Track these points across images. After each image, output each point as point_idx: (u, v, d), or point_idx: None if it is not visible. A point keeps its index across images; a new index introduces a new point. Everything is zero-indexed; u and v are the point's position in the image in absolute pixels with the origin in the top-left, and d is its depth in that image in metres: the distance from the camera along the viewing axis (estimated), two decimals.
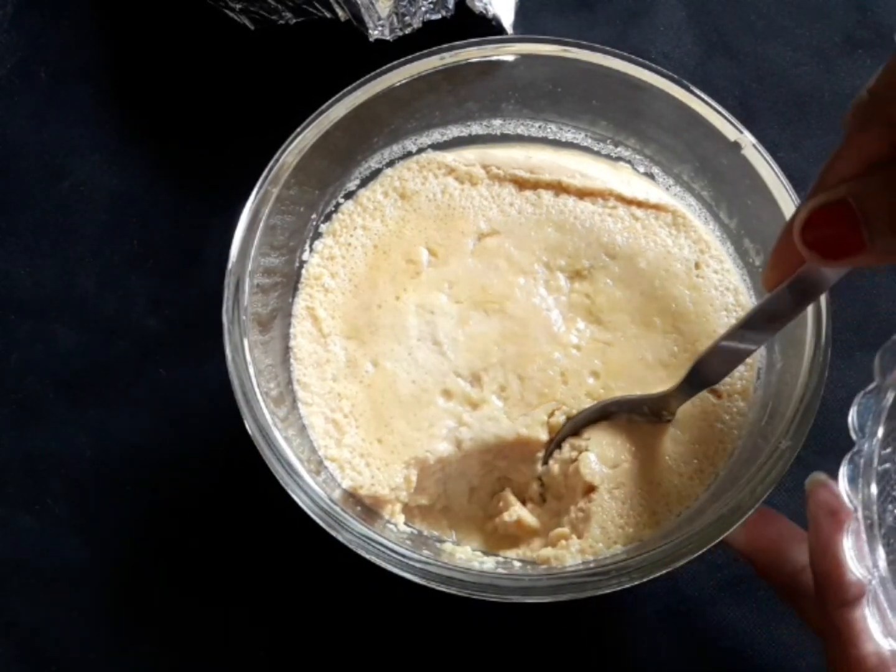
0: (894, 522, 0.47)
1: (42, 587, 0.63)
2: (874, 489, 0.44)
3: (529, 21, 0.71)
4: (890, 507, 0.47)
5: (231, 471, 0.63)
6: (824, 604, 0.46)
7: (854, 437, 0.45)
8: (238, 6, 0.68)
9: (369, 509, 0.57)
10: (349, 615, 0.61)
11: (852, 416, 0.46)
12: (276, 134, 0.58)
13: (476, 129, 0.64)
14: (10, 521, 0.64)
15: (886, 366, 0.45)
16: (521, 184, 0.63)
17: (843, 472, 0.45)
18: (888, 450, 0.46)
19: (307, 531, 0.52)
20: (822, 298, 0.54)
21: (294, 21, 0.68)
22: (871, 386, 0.46)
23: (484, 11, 0.66)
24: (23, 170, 0.71)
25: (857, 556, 0.45)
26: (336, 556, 0.53)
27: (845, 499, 0.45)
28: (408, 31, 0.66)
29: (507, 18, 0.68)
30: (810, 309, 0.54)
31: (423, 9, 0.66)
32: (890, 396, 0.45)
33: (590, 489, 0.56)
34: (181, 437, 0.65)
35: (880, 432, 0.45)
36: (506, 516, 0.58)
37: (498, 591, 0.50)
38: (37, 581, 0.63)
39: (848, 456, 0.45)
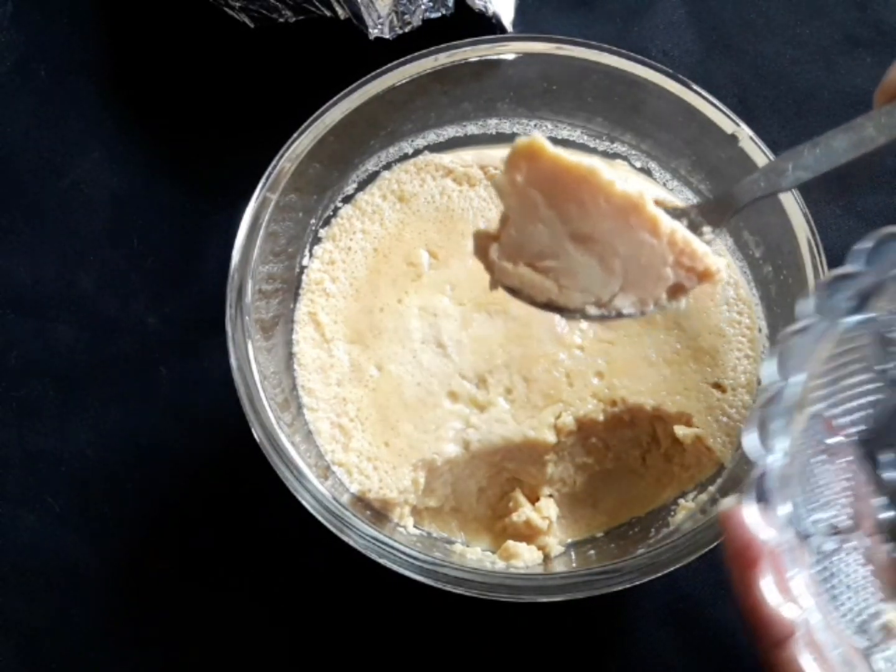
0: (821, 548, 0.44)
1: (42, 585, 0.63)
2: (787, 508, 0.42)
3: (529, 19, 0.70)
4: (813, 523, 0.45)
5: (233, 469, 0.63)
6: (756, 646, 0.42)
7: (755, 459, 0.41)
8: (238, 4, 0.67)
9: (378, 513, 0.57)
10: (359, 620, 0.61)
11: (750, 436, 0.42)
12: (276, 132, 0.58)
13: (472, 129, 0.65)
14: (10, 519, 0.64)
15: (788, 372, 0.42)
16: None
17: (750, 498, 0.41)
18: (794, 464, 0.43)
19: (315, 535, 0.53)
20: None
21: (294, 19, 0.68)
22: (770, 399, 0.42)
23: (483, 9, 0.66)
24: (23, 168, 0.71)
25: (780, 590, 0.41)
26: (344, 562, 0.53)
27: (756, 528, 0.41)
28: (407, 29, 0.66)
29: (507, 16, 0.67)
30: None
31: (423, 7, 0.66)
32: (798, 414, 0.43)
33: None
34: (182, 435, 0.65)
35: (784, 446, 0.41)
36: (514, 517, 0.58)
37: (510, 591, 0.51)
38: (37, 578, 0.63)
39: (752, 480, 0.41)
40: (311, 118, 0.58)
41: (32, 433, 0.66)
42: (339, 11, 0.66)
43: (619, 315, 0.48)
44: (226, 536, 0.63)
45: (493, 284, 0.49)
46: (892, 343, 0.46)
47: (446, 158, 0.64)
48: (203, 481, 0.64)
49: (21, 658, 0.62)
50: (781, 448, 0.41)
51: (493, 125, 0.64)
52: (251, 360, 0.55)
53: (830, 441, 0.46)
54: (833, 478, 0.46)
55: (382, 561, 0.51)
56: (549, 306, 0.48)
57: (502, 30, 0.67)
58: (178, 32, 0.72)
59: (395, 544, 0.52)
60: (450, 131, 0.64)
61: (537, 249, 0.46)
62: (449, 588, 0.51)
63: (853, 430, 0.47)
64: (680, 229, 0.46)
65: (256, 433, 0.54)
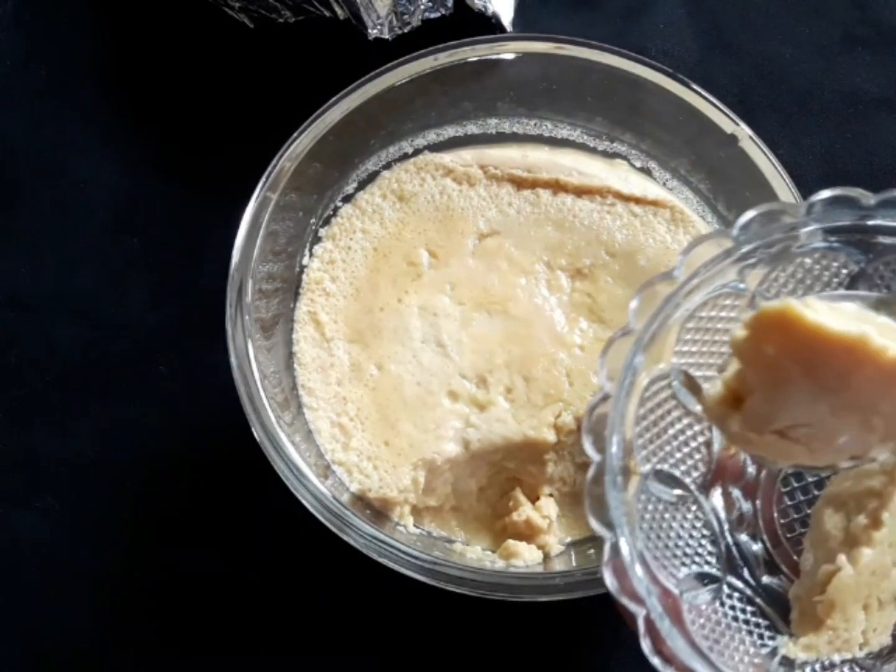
0: (695, 601, 0.44)
1: (42, 585, 0.63)
2: (642, 576, 0.41)
3: (529, 19, 0.70)
4: (680, 580, 0.44)
5: (234, 469, 0.63)
6: None
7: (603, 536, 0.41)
8: (237, 4, 0.67)
9: (378, 512, 0.57)
10: (359, 619, 0.61)
11: (590, 517, 0.42)
12: (275, 132, 0.58)
13: (472, 128, 0.65)
14: (10, 519, 0.64)
15: (603, 445, 0.42)
16: (518, 183, 0.63)
17: (608, 569, 0.41)
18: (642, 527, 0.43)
19: (315, 535, 0.53)
20: None
21: (293, 20, 0.68)
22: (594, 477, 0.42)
23: (483, 9, 0.66)
24: (22, 167, 0.71)
25: (657, 653, 0.41)
26: (344, 561, 0.53)
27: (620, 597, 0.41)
28: (407, 29, 0.66)
29: (507, 16, 0.67)
30: None
31: (422, 7, 0.65)
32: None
33: None
34: (182, 434, 0.65)
35: (623, 518, 0.41)
36: (515, 516, 0.58)
37: (510, 591, 0.51)
38: (37, 578, 0.63)
39: (604, 553, 0.41)
40: (311, 118, 0.58)
41: (32, 433, 0.66)
42: (339, 12, 0.66)
43: (872, 460, 0.43)
44: (225, 536, 0.63)
45: (731, 445, 0.46)
46: (696, 383, 0.46)
47: (446, 158, 0.64)
48: (203, 480, 0.64)
49: (20, 658, 0.62)
50: (621, 520, 0.41)
51: (493, 125, 0.65)
52: (251, 359, 0.55)
53: (672, 495, 0.45)
54: (685, 529, 0.46)
55: (382, 560, 0.52)
56: (796, 466, 0.45)
57: (502, 30, 0.67)
58: (178, 32, 0.72)
59: (396, 543, 0.52)
60: (450, 131, 0.64)
61: (788, 419, 0.41)
62: (450, 587, 0.51)
63: (691, 476, 0.46)
64: None
65: (256, 432, 0.54)
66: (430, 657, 0.61)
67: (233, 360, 0.54)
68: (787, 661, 0.44)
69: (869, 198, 0.43)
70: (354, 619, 0.61)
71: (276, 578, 0.62)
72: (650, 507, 0.44)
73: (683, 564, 0.45)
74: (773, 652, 0.44)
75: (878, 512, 0.42)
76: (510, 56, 0.60)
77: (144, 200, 0.70)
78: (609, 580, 0.41)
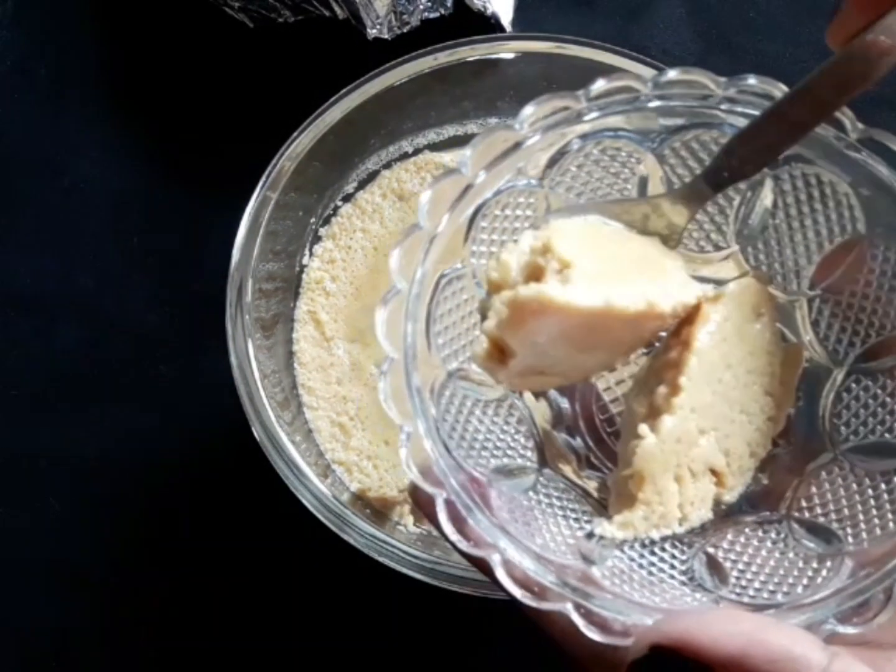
0: (507, 490, 0.42)
1: (41, 585, 0.63)
2: (443, 460, 0.39)
3: (528, 18, 0.70)
4: (493, 470, 0.42)
5: (233, 468, 0.63)
6: None
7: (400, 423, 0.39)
8: (237, 4, 0.67)
9: (378, 511, 0.57)
10: (359, 619, 0.62)
11: (387, 405, 0.39)
12: (274, 132, 0.58)
13: (472, 128, 0.65)
14: (9, 519, 0.64)
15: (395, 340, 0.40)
16: None
17: (406, 455, 0.38)
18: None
19: (315, 534, 0.53)
20: None
21: (293, 19, 0.68)
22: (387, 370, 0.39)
23: (482, 9, 0.66)
24: (22, 167, 0.71)
25: (459, 533, 0.38)
26: (345, 561, 0.53)
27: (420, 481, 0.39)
28: (406, 29, 0.66)
29: (506, 16, 0.67)
30: None
31: (422, 7, 0.65)
32: None
33: None
34: (182, 434, 0.65)
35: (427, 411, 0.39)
36: None
37: None
38: (36, 579, 0.63)
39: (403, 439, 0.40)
40: (311, 117, 0.58)
41: (32, 432, 0.66)
42: (338, 11, 0.66)
43: (615, 369, 0.47)
44: (225, 535, 0.63)
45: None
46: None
47: (446, 157, 0.64)
48: (203, 480, 0.64)
49: (19, 658, 0.62)
50: (419, 412, 0.39)
51: (493, 124, 0.64)
52: (251, 358, 0.55)
53: (481, 393, 0.44)
54: (497, 425, 0.44)
55: (382, 559, 0.52)
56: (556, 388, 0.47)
57: (501, 29, 0.67)
58: (178, 32, 0.72)
59: (396, 543, 0.52)
60: (450, 130, 0.64)
61: (546, 366, 0.42)
62: (447, 586, 0.51)
63: None
64: (678, 300, 0.42)
65: (257, 432, 0.54)
66: (429, 657, 0.61)
67: (233, 359, 0.54)
68: (607, 543, 0.42)
69: (646, 81, 0.41)
70: (354, 619, 0.61)
71: (276, 578, 0.62)
72: (457, 402, 0.42)
73: (494, 457, 0.43)
74: (591, 535, 0.42)
75: (676, 378, 0.42)
76: (510, 55, 0.60)
77: (144, 201, 0.70)
78: (409, 469, 0.38)
